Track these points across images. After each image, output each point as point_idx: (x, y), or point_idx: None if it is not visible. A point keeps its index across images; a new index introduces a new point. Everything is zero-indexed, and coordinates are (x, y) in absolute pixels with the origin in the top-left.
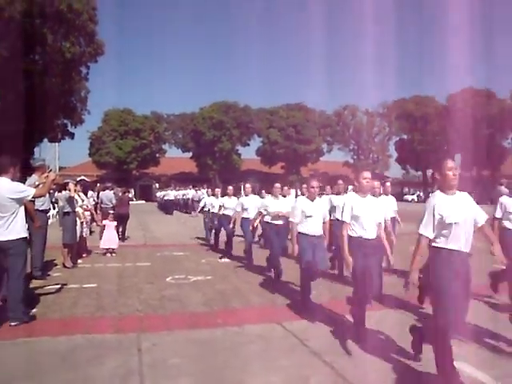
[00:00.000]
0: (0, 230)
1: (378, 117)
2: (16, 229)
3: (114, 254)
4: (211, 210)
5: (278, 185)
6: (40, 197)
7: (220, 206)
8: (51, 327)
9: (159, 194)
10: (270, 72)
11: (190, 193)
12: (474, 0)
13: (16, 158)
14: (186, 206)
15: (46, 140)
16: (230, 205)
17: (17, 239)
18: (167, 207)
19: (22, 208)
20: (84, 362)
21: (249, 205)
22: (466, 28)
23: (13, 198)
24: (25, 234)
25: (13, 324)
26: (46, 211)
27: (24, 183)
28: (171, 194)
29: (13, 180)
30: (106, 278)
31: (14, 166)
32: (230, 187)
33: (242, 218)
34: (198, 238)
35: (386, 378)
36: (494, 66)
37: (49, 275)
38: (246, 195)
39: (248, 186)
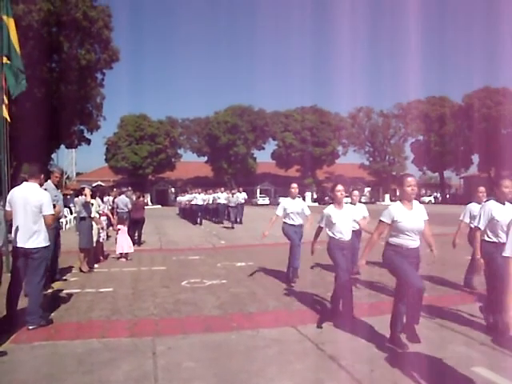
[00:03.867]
0: (25, 236)
1: (393, 118)
2: (41, 236)
3: (128, 259)
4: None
5: (341, 187)
6: (49, 223)
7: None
8: (68, 331)
9: (181, 198)
10: (285, 75)
11: (221, 197)
12: None
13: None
14: (217, 214)
15: (63, 146)
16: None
17: (42, 247)
18: (194, 215)
19: None
20: (100, 365)
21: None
22: (479, 26)
23: (37, 207)
24: (49, 242)
25: (30, 328)
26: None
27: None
28: (199, 199)
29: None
30: (122, 282)
31: (43, 173)
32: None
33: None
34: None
35: (402, 383)
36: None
37: (66, 280)
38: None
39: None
